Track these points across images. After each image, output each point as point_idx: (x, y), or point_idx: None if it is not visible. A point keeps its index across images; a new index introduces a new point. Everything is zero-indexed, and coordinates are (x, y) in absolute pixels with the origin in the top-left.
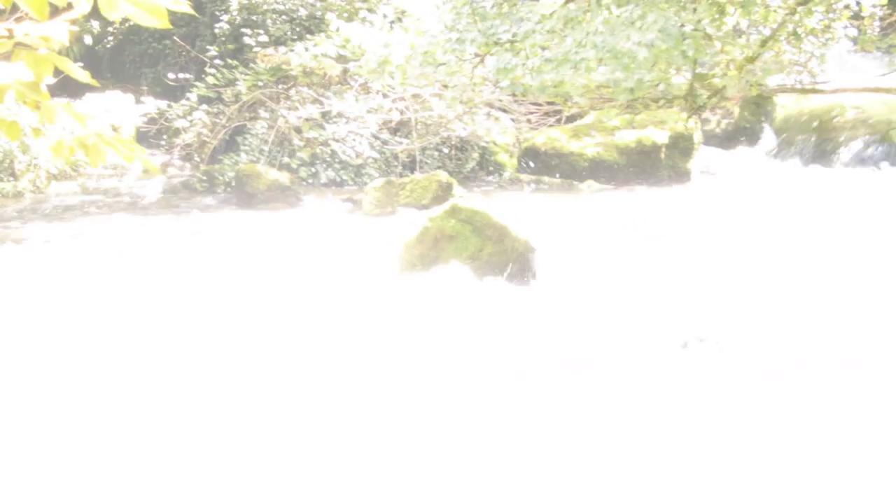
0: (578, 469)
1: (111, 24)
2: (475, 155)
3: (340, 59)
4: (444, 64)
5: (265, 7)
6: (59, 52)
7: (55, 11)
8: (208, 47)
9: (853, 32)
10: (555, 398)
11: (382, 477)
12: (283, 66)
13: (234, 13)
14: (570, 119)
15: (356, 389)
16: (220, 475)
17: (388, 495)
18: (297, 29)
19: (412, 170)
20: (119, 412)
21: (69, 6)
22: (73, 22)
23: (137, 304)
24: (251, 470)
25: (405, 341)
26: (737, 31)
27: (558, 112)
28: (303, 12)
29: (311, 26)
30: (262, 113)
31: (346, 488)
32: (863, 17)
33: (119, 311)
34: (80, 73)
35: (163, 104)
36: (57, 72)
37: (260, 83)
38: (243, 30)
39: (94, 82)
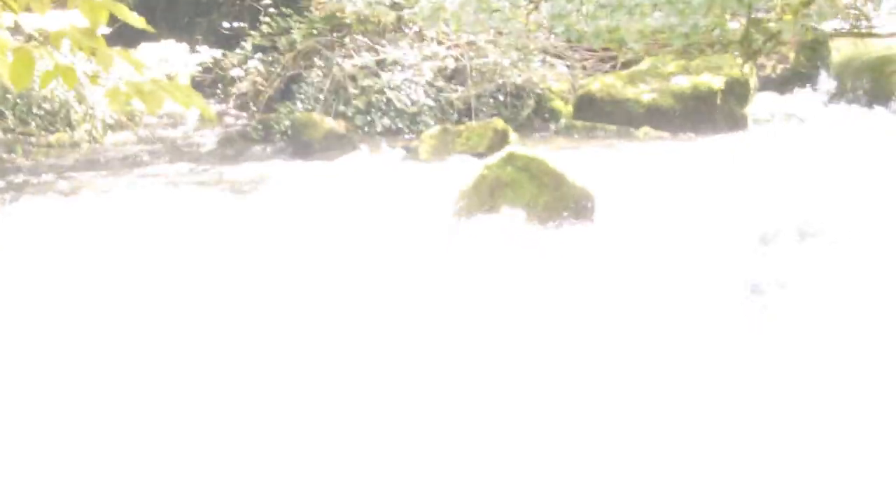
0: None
1: None
2: (530, 102)
3: (395, 6)
4: (498, 10)
5: None
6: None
7: None
8: None
9: None
10: (609, 350)
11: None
12: (338, 14)
13: None
14: (625, 65)
15: (419, 335)
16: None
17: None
18: None
19: (468, 117)
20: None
21: None
22: None
23: (197, 256)
24: None
25: (465, 287)
26: None
27: (613, 58)
28: None
29: None
30: (317, 61)
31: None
32: None
33: (176, 264)
34: (135, 19)
35: (217, 53)
36: (112, 21)
37: (314, 31)
38: None
39: (149, 28)
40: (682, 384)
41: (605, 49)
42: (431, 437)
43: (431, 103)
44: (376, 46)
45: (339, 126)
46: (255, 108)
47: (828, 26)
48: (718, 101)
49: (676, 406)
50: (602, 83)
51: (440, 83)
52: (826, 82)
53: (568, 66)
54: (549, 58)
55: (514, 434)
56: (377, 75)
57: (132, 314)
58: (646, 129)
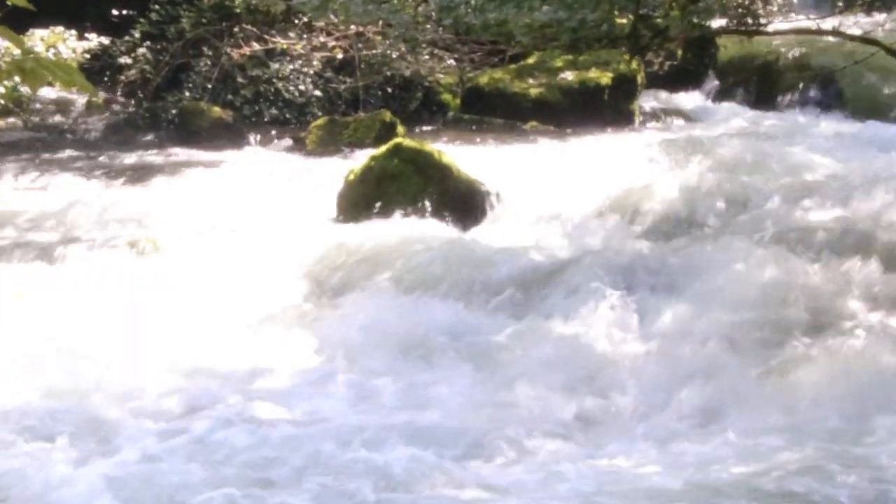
0: None
1: None
2: (419, 94)
3: None
4: (387, 2)
5: None
6: None
7: None
8: None
9: None
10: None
11: None
12: (227, 4)
13: None
14: (514, 59)
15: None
16: None
17: None
18: None
19: (355, 109)
20: None
21: None
22: None
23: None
24: None
25: (342, 284)
26: None
27: (502, 52)
28: None
29: None
30: (206, 50)
31: None
32: None
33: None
34: None
35: (106, 41)
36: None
37: (203, 20)
38: None
39: (29, 6)
40: None
41: (494, 42)
42: None
43: (319, 94)
44: (265, 36)
45: (227, 115)
46: (143, 96)
47: (716, 24)
48: (606, 97)
49: None
50: (490, 77)
51: (329, 74)
52: (713, 80)
53: (456, 60)
54: (437, 50)
55: None
56: (266, 65)
57: None
58: (533, 123)
